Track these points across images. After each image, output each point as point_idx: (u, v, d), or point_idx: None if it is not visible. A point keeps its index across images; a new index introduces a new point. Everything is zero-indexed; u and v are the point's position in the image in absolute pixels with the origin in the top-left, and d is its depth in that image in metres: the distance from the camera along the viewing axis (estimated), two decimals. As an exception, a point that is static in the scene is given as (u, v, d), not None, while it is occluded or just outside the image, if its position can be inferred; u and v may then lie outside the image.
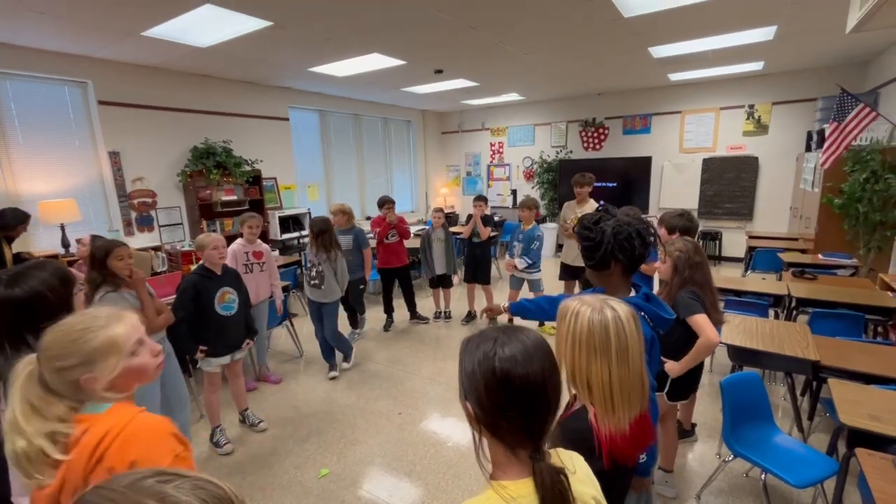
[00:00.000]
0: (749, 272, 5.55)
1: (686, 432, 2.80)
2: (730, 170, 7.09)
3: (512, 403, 0.77)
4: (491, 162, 9.59)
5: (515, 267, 4.36)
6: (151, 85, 5.09)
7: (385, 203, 4.70)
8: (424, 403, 3.36)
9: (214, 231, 5.64)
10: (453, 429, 3.04)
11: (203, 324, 2.67)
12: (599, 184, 7.81)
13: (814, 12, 3.91)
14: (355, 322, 4.73)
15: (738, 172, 7.03)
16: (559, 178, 8.30)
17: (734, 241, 7.16)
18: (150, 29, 3.81)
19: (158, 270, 4.84)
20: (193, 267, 2.95)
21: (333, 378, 3.78)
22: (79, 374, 0.95)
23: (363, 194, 8.36)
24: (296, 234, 6.41)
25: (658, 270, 2.38)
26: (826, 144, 4.18)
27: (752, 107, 6.83)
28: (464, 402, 0.82)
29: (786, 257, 4.64)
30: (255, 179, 6.00)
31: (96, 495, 0.43)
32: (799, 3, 3.68)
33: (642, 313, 1.45)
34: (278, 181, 6.63)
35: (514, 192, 8.87)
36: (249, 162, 5.88)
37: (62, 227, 4.39)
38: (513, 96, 8.02)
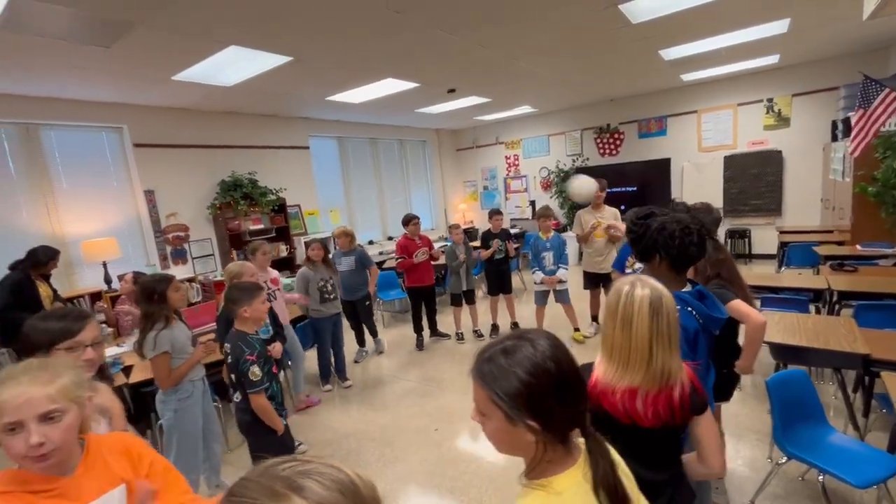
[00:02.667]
0: (783, 268, 5.39)
1: None
2: (753, 165, 6.94)
3: (565, 393, 0.79)
4: (507, 175, 9.65)
5: (561, 280, 4.34)
6: (181, 125, 5.37)
7: (411, 220, 4.75)
8: (460, 419, 3.34)
9: (244, 259, 5.84)
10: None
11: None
12: (619, 188, 7.80)
13: (826, 1, 3.87)
14: (362, 340, 4.77)
15: (763, 167, 6.88)
16: (577, 186, 8.27)
17: (764, 238, 6.96)
18: (180, 73, 4.04)
19: (193, 301, 5.02)
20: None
21: (328, 391, 4.04)
22: None
23: (384, 215, 8.50)
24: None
25: None
26: (853, 132, 4.08)
27: (770, 100, 6.72)
28: (517, 425, 0.79)
29: (822, 251, 4.50)
30: (280, 207, 6.19)
31: (239, 486, 0.48)
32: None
33: (690, 308, 1.47)
34: (302, 207, 6.83)
35: (532, 203, 8.87)
36: (274, 191, 6.08)
37: (104, 265, 4.61)
38: (525, 109, 8.10)
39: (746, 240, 7.10)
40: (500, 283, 4.84)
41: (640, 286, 1.19)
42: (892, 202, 4.20)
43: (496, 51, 4.32)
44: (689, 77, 6.57)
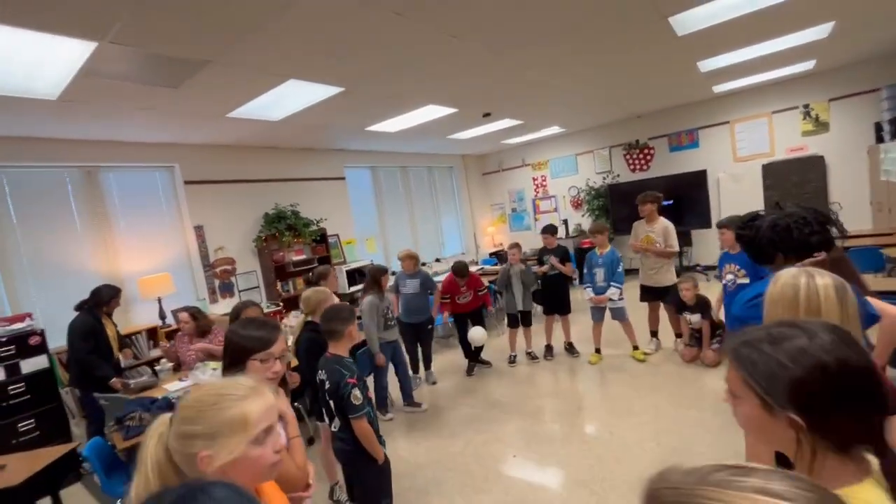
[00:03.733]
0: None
1: None
2: (794, 172, 6.81)
3: (850, 399, 0.70)
4: (536, 195, 9.64)
5: (611, 299, 4.23)
6: (226, 161, 5.51)
7: (463, 271, 4.60)
8: (537, 443, 3.20)
9: (288, 291, 5.86)
10: (577, 464, 2.86)
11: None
12: (654, 203, 7.70)
13: (875, 1, 3.84)
14: (416, 367, 4.65)
15: (804, 174, 6.74)
16: (611, 203, 8.21)
17: (813, 245, 6.74)
18: (236, 110, 4.17)
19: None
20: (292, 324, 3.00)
21: (390, 419, 3.94)
22: (198, 448, 0.83)
23: (417, 242, 8.51)
24: (361, 286, 6.53)
25: None
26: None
27: (806, 106, 6.65)
28: (775, 416, 0.73)
29: (892, 253, 4.31)
30: (322, 237, 6.24)
31: (663, 488, 0.42)
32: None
33: None
34: (340, 237, 6.88)
35: (565, 222, 8.82)
36: (315, 221, 6.15)
37: (159, 301, 4.65)
38: (553, 130, 8.16)
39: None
40: (555, 303, 4.72)
41: (818, 276, 1.16)
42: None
43: (539, 71, 4.38)
44: (720, 88, 6.57)
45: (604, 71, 4.76)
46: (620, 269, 4.20)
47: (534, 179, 9.62)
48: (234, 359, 1.40)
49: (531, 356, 4.84)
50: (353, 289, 6.42)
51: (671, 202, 7.69)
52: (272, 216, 5.75)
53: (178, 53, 2.84)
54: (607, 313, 4.37)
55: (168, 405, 2.91)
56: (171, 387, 3.59)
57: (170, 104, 3.74)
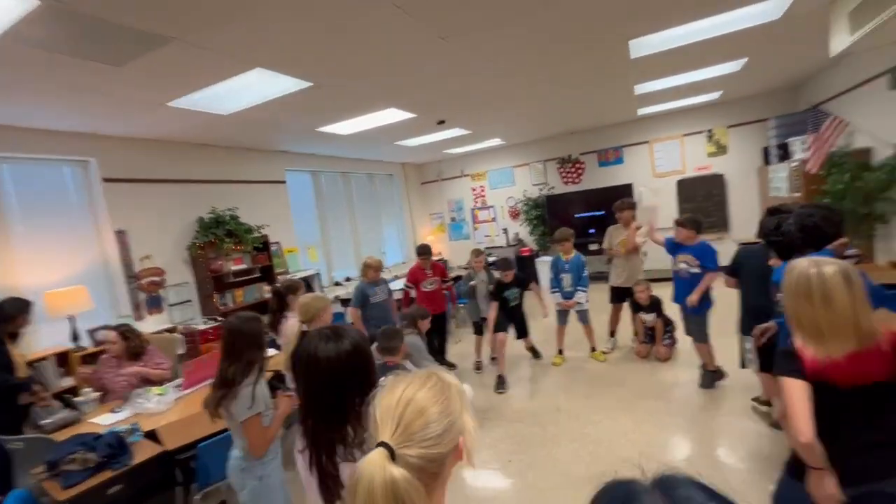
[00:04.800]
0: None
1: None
2: (701, 188, 7.80)
3: None
4: (475, 206, 9.86)
5: (579, 303, 4.39)
6: (155, 158, 4.84)
7: (421, 253, 4.69)
8: (528, 447, 3.20)
9: (226, 304, 5.28)
10: (576, 462, 2.92)
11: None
12: (587, 213, 8.31)
13: (782, 43, 4.56)
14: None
15: (709, 189, 7.76)
16: (548, 213, 8.68)
17: (721, 251, 7.72)
18: (181, 98, 3.69)
19: (179, 353, 4.38)
20: (293, 338, 2.69)
21: None
22: (453, 436, 0.73)
23: (359, 251, 8.21)
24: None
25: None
26: (811, 152, 4.77)
27: (710, 131, 7.68)
28: None
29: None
30: (265, 245, 5.73)
31: None
32: (771, 36, 4.29)
33: None
34: (281, 245, 6.38)
35: (505, 231, 9.12)
36: (256, 228, 5.64)
37: (70, 319, 3.89)
38: (494, 142, 8.44)
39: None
40: (509, 322, 4.50)
41: (825, 264, 1.36)
42: (845, 213, 4.91)
43: (504, 80, 4.49)
44: (643, 111, 7.32)
45: (558, 85, 5.03)
46: (585, 273, 4.42)
47: (473, 190, 9.84)
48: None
49: (496, 361, 4.87)
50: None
51: (602, 213, 8.34)
52: (209, 221, 5.15)
53: (139, 25, 2.44)
54: (572, 315, 4.56)
55: (118, 441, 2.42)
56: (104, 420, 3.02)
57: (104, 85, 3.19)
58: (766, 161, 7.09)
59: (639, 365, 4.44)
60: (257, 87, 3.68)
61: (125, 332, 3.49)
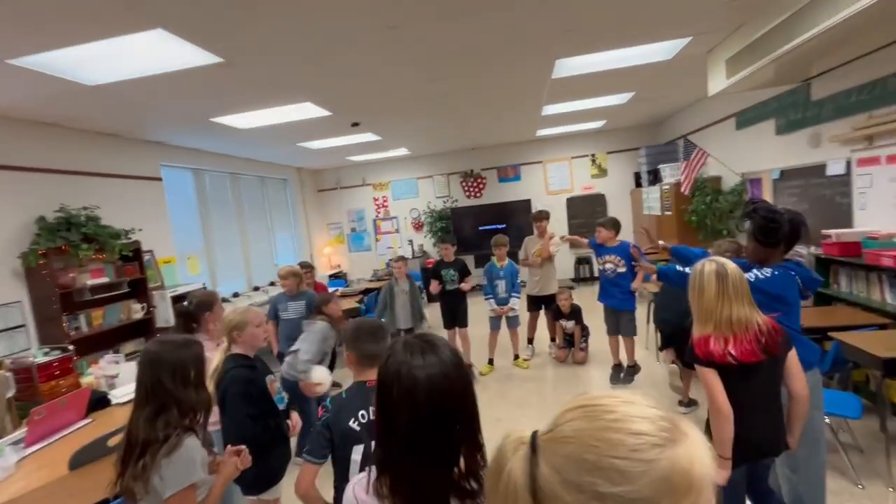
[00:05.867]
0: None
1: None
2: (587, 205, 8.70)
3: None
4: (377, 216, 9.53)
5: (513, 309, 4.43)
6: (-27, 135, 3.60)
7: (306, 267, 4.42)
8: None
9: (79, 328, 4.14)
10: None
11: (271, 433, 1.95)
12: (490, 226, 8.62)
13: (665, 81, 5.29)
14: None
15: (594, 207, 8.68)
16: (453, 225, 8.78)
17: (601, 263, 8.67)
18: (28, 56, 2.78)
19: (8, 396, 3.24)
20: (216, 360, 2.08)
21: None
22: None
23: (248, 261, 7.25)
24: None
25: None
26: (683, 176, 5.61)
27: (593, 155, 8.63)
28: None
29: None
30: (136, 254, 4.65)
31: None
32: (658, 74, 4.94)
33: (793, 272, 1.92)
34: (154, 254, 5.27)
35: (410, 242, 8.96)
36: (125, 232, 4.56)
37: None
38: (400, 151, 8.29)
39: (588, 265, 8.70)
40: (453, 316, 4.67)
41: (708, 263, 1.69)
42: (705, 227, 5.87)
43: (432, 87, 4.40)
44: (541, 132, 7.91)
45: (477, 98, 5.10)
46: (518, 280, 4.49)
47: (374, 200, 9.51)
48: None
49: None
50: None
51: (503, 226, 8.73)
52: (56, 222, 3.99)
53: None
54: (503, 321, 4.58)
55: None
56: None
57: None
58: (638, 184, 8.20)
59: (562, 369, 4.64)
60: (148, 54, 2.96)
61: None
